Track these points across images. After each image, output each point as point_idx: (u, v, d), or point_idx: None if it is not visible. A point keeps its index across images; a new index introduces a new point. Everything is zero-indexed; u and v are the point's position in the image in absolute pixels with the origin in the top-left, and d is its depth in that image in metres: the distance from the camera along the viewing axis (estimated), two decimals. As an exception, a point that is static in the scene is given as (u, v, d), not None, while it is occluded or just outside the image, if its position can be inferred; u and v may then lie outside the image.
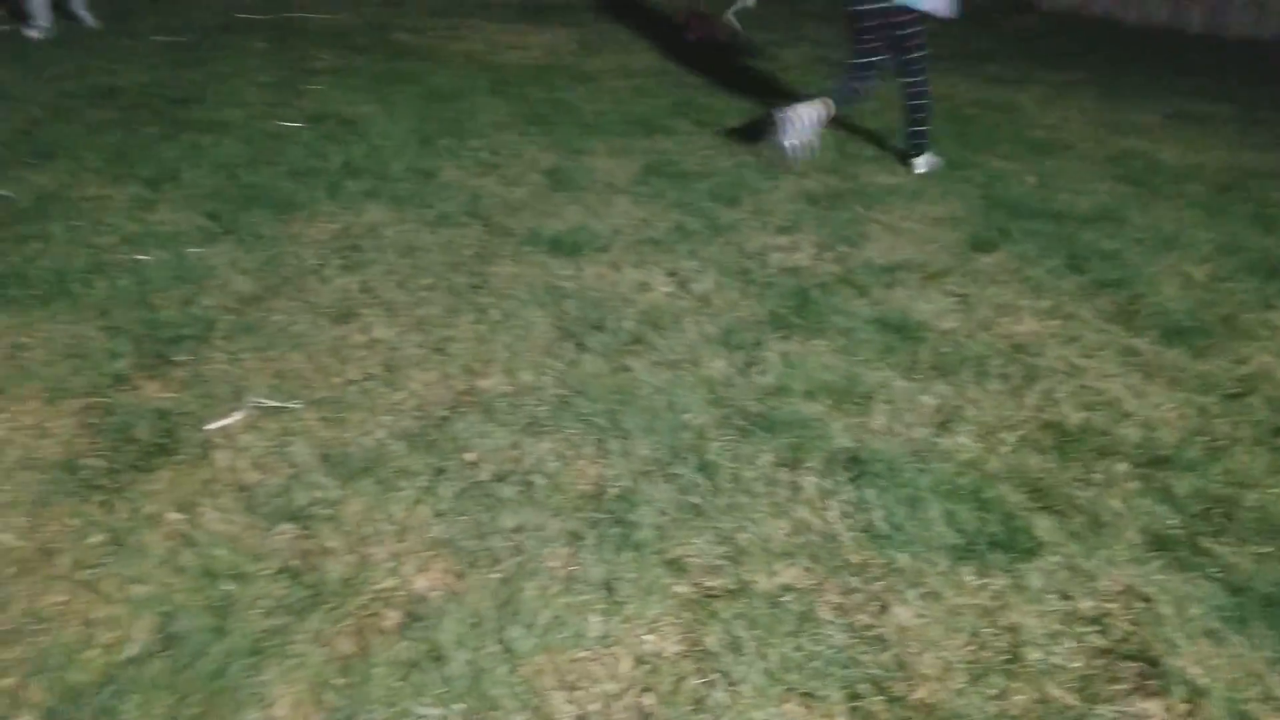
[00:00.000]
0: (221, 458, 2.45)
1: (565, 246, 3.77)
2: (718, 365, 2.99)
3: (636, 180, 4.54)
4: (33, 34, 6.35)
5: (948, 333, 3.29)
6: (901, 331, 3.26)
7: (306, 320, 3.14)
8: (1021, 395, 2.93)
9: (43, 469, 2.38)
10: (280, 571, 2.10)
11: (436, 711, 1.80)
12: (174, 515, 2.25)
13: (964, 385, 2.97)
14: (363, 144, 4.75)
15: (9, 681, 1.81)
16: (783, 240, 3.97)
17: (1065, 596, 2.16)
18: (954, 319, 3.39)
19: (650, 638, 1.99)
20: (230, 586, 2.04)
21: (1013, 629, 2.06)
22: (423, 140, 4.88)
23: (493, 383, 2.85)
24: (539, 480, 2.43)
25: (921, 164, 4.83)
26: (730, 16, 7.66)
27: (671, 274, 3.61)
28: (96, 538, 2.17)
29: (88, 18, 6.73)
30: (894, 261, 3.81)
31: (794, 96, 4.94)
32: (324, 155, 4.56)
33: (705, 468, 2.50)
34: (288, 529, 2.23)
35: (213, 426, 2.57)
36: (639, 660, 1.94)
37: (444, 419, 2.66)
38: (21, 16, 6.38)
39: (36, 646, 1.89)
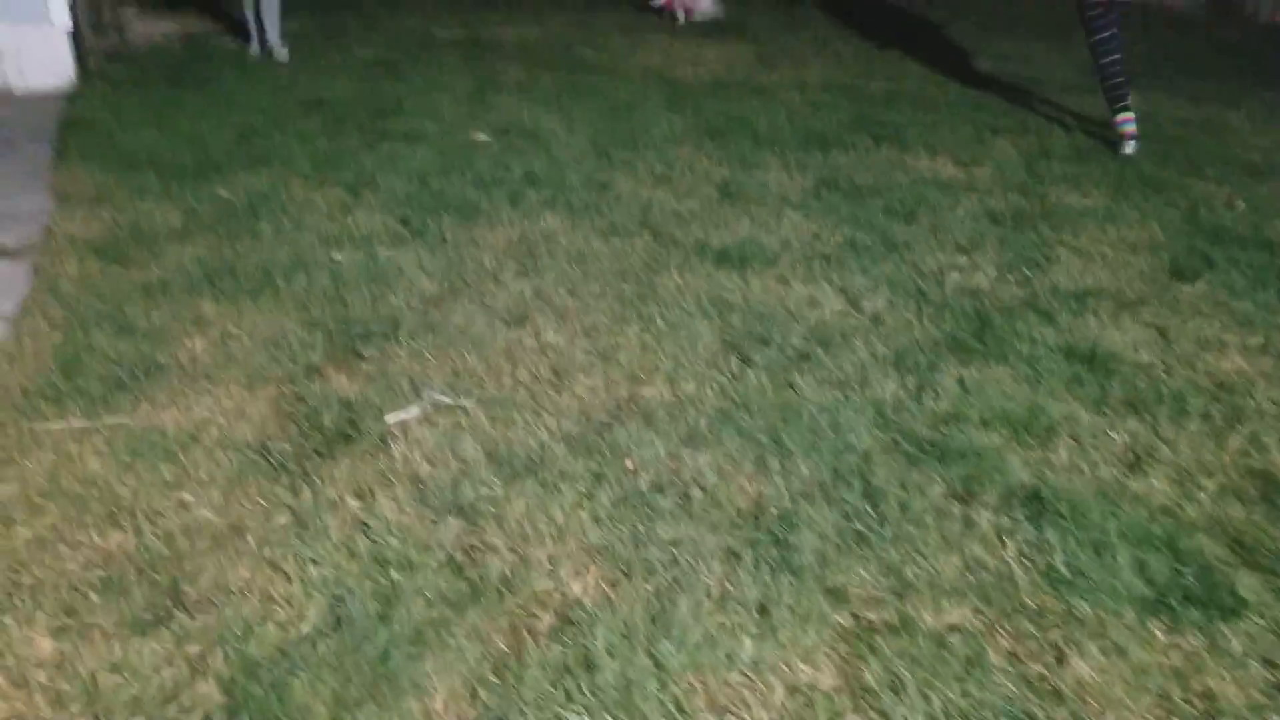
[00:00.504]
0: (398, 449, 2.56)
1: (733, 259, 3.75)
2: (888, 387, 2.89)
3: (809, 194, 4.47)
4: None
5: (1143, 366, 3.06)
6: (1091, 362, 3.06)
7: (483, 322, 3.25)
8: (1224, 438, 2.70)
9: (238, 449, 2.56)
10: (445, 564, 2.17)
11: None
12: (352, 501, 2.37)
13: (1159, 424, 2.76)
14: (544, 155, 4.89)
15: (195, 649, 1.95)
16: (962, 260, 3.81)
17: (1271, 664, 1.96)
18: (1150, 352, 3.16)
19: (805, 667, 1.93)
20: (398, 575, 2.13)
21: (1207, 695, 1.89)
22: (600, 152, 4.97)
23: (655, 391, 2.86)
24: (697, 493, 2.41)
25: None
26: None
27: (842, 291, 3.53)
28: (282, 518, 2.31)
29: (281, 51, 6.84)
30: (1085, 287, 3.60)
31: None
32: (507, 165, 4.72)
33: (871, 494, 2.42)
34: (454, 523, 2.30)
35: (392, 419, 2.69)
36: (793, 690, 1.89)
37: (606, 425, 2.68)
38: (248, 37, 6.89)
39: (221, 618, 2.02)
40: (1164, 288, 3.62)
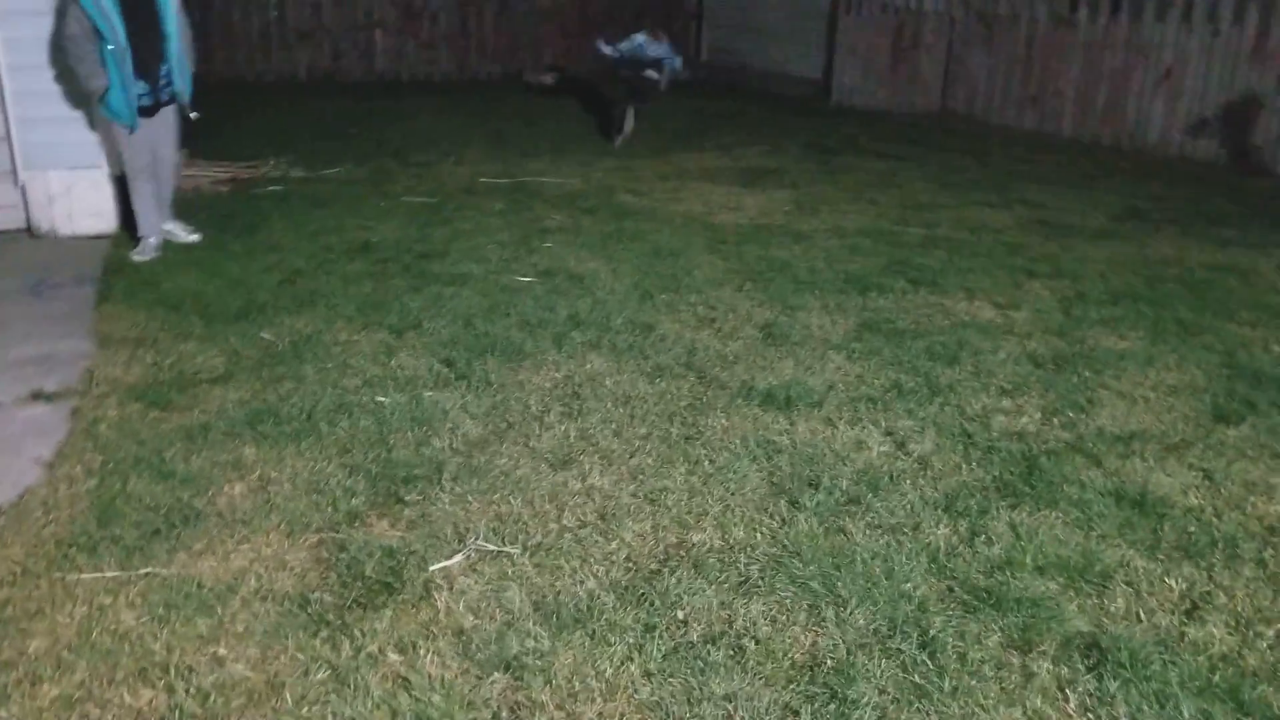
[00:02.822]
0: (441, 599, 2.52)
1: (779, 401, 3.75)
2: (940, 533, 2.84)
3: (851, 337, 4.50)
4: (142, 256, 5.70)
5: (1193, 510, 3.01)
6: (1141, 507, 3.00)
7: (528, 465, 3.24)
8: (1286, 586, 2.61)
9: (277, 600, 2.53)
10: (491, 721, 2.10)
11: None
12: (394, 656, 2.32)
13: (1214, 569, 2.70)
14: (588, 298, 4.98)
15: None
16: (1006, 403, 3.79)
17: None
18: (1199, 495, 3.10)
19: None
20: (443, 731, 2.06)
21: None
22: (643, 295, 5.06)
23: (704, 537, 2.82)
24: (750, 645, 2.34)
25: None
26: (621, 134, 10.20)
27: (888, 433, 3.51)
28: (321, 674, 2.26)
29: (180, 232, 6.05)
30: (1129, 430, 3.55)
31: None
32: (552, 308, 4.81)
33: (928, 644, 2.34)
34: (499, 679, 2.24)
35: (436, 567, 2.66)
36: None
37: (655, 572, 2.64)
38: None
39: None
40: (1208, 431, 3.58)
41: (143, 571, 2.64)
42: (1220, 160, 9.53)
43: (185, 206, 6.82)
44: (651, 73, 10.96)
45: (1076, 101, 11.14)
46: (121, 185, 6.00)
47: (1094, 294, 5.18)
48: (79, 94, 5.68)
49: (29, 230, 6.07)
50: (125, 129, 5.55)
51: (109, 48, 5.32)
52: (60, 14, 5.33)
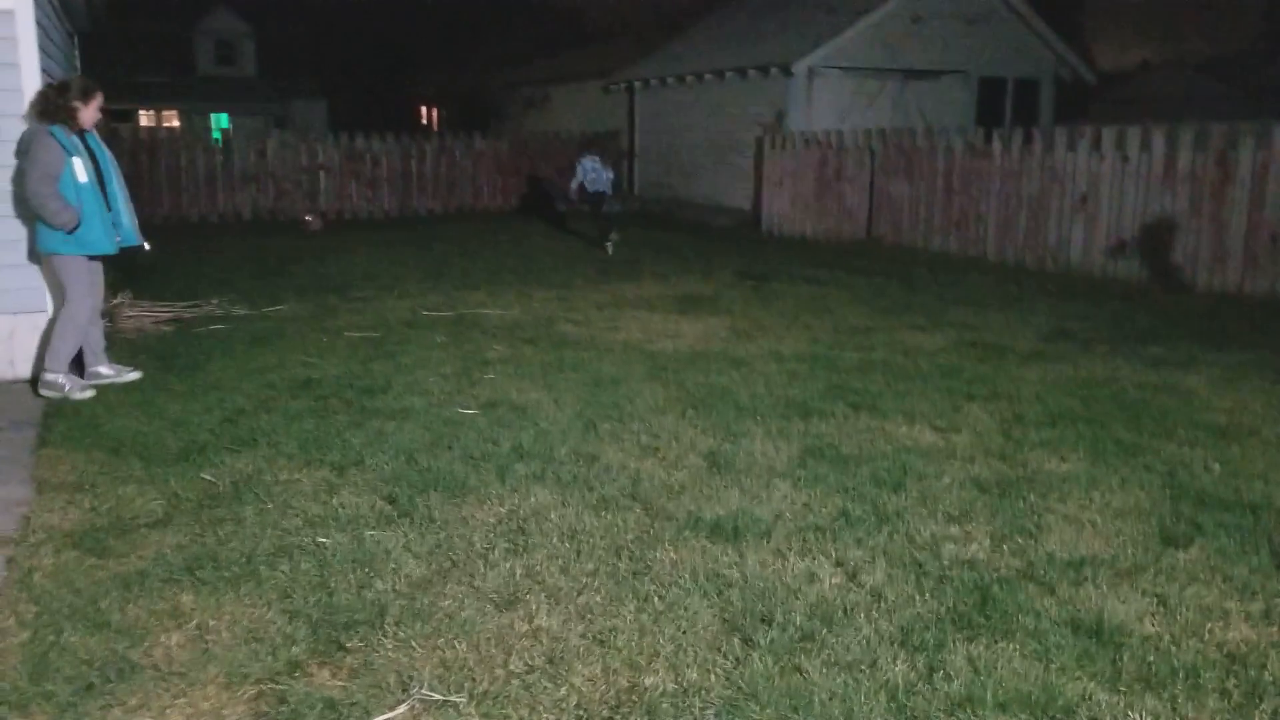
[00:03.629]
0: (385, 755, 2.39)
1: (727, 532, 3.72)
2: (898, 669, 2.79)
3: (795, 463, 4.52)
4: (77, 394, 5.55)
5: (1150, 639, 2.99)
6: (1098, 636, 2.99)
7: (473, 606, 3.15)
8: (1248, 715, 2.60)
9: (213, 760, 2.38)
10: None
11: None
12: (335, 819, 2.18)
13: (1177, 701, 2.66)
14: (531, 429, 4.96)
15: None
16: (954, 530, 3.81)
17: None
18: (1155, 623, 3.09)
19: None
20: None
21: None
22: (586, 424, 5.06)
23: (657, 680, 2.74)
24: (710, 795, 2.25)
25: None
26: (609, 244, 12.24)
27: (839, 564, 3.49)
28: (258, 840, 2.11)
29: (115, 374, 5.90)
30: (1079, 556, 3.58)
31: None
32: (495, 440, 4.77)
33: (892, 789, 2.27)
34: (448, 841, 2.11)
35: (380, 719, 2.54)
36: None
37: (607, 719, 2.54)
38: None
39: None
40: (1157, 555, 3.60)
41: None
42: (1143, 279, 9.99)
43: (127, 347, 6.74)
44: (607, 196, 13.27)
45: (998, 226, 11.67)
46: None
47: (1032, 415, 5.30)
48: (21, 239, 5.69)
49: (-38, 376, 5.91)
50: (80, 271, 5.51)
51: (81, 181, 5.36)
52: (25, 154, 5.37)
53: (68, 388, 5.55)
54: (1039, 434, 4.99)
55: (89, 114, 5.57)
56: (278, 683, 2.71)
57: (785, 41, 16.57)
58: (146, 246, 5.93)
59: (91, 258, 5.63)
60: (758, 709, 2.58)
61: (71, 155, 5.40)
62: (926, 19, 16.06)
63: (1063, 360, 6.62)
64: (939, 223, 12.47)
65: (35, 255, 5.80)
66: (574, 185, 13.52)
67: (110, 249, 5.68)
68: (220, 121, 33.00)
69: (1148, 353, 6.85)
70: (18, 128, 5.57)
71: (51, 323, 5.78)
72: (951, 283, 10.05)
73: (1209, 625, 3.08)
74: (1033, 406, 5.47)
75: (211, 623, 3.03)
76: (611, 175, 13.59)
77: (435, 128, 33.97)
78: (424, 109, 37.02)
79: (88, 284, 5.64)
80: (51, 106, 5.45)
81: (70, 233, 5.41)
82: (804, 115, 15.58)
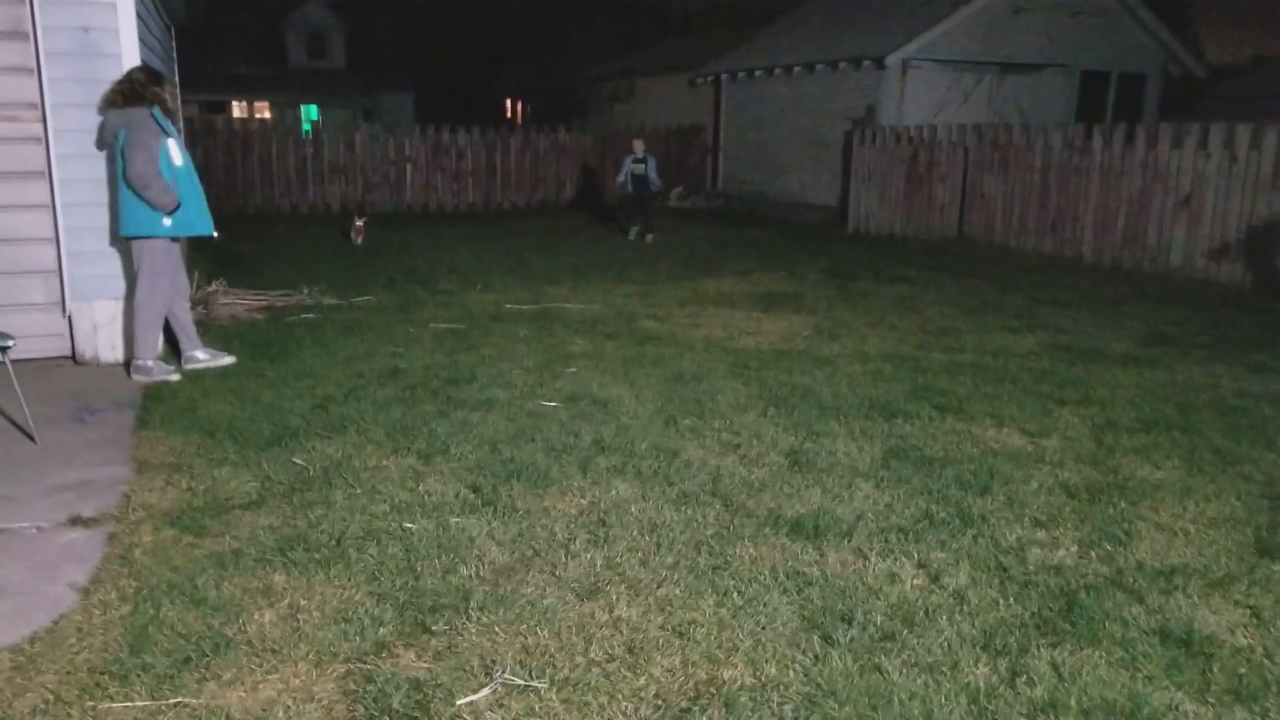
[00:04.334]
0: (468, 735, 2.46)
1: (807, 530, 3.71)
2: (980, 672, 2.75)
3: (878, 464, 4.47)
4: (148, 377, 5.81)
5: (1242, 650, 2.90)
6: (1187, 646, 2.91)
7: (554, 595, 3.20)
8: (1352, 734, 2.50)
9: (305, 732, 2.47)
10: None
11: None
12: (421, 795, 2.25)
13: (1270, 714, 2.59)
14: (612, 423, 5.00)
15: None
16: (1041, 535, 3.73)
17: None
18: (1248, 635, 3.00)
19: None
20: None
21: None
22: (667, 420, 5.08)
23: (735, 674, 2.75)
24: (786, 790, 2.26)
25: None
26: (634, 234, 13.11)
27: (921, 565, 3.45)
28: (347, 811, 2.20)
29: (209, 358, 6.15)
30: (1170, 565, 3.47)
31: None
32: (577, 433, 4.83)
33: (972, 793, 2.25)
34: (528, 821, 2.16)
35: (463, 701, 2.60)
36: None
37: (685, 710, 2.57)
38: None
39: None
40: (1252, 565, 3.48)
41: (173, 701, 2.60)
42: (1246, 284, 9.59)
43: (221, 333, 7.00)
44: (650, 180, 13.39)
45: (1095, 227, 11.31)
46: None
47: (1125, 421, 5.15)
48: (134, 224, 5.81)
49: (73, 358, 6.21)
50: (160, 257, 5.73)
51: (177, 164, 5.61)
52: (125, 138, 5.53)
53: (156, 372, 5.79)
54: (1132, 440, 4.84)
55: (167, 96, 5.81)
56: (365, 662, 2.80)
57: (878, 33, 16.29)
58: (215, 235, 6.13)
59: (173, 240, 5.82)
60: (836, 706, 2.57)
61: (169, 137, 5.62)
62: (1027, 9, 15.61)
63: (1159, 365, 6.41)
64: (1033, 222, 12.16)
65: (118, 240, 6.00)
66: (619, 180, 13.77)
67: (209, 230, 5.90)
68: (310, 113, 33.82)
69: (1248, 359, 6.59)
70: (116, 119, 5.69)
71: (130, 308, 5.97)
72: (1044, 284, 9.80)
73: (1307, 640, 2.97)
74: (1126, 412, 5.31)
75: (302, 602, 3.15)
76: (654, 175, 13.54)
77: (520, 122, 34.36)
78: (509, 103, 37.49)
79: (168, 267, 5.83)
80: (141, 91, 5.64)
81: (171, 214, 5.63)
82: (895, 109, 15.31)
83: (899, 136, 14.11)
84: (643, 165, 13.39)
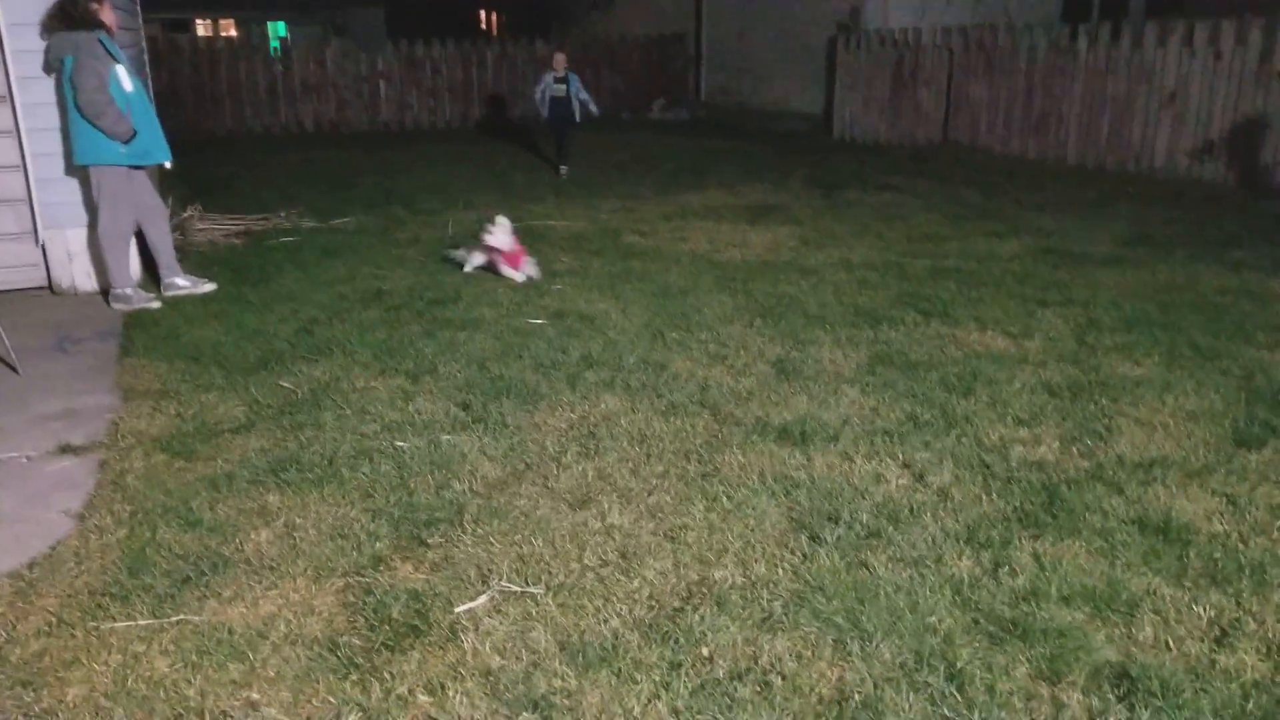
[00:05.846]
0: (468, 640, 2.52)
1: (794, 436, 3.76)
2: (963, 565, 2.83)
3: (864, 370, 4.52)
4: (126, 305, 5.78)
5: (1218, 537, 2.99)
6: (1165, 534, 2.99)
7: (547, 505, 3.26)
8: (1321, 611, 2.59)
9: (307, 645, 2.53)
10: (521, 762, 2.10)
11: None
12: (424, 697, 2.32)
13: (1242, 596, 2.68)
14: (599, 338, 5.02)
15: None
16: (1023, 433, 3.80)
17: None
18: (1224, 521, 3.09)
19: None
20: (473, 774, 2.06)
21: None
22: (654, 334, 5.10)
23: (726, 574, 2.82)
24: (777, 680, 2.34)
25: None
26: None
27: (906, 466, 3.51)
28: (352, 716, 2.27)
29: (190, 285, 6.09)
30: (1149, 458, 3.55)
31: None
32: (564, 349, 4.85)
33: (955, 676, 2.34)
34: (528, 718, 2.24)
35: (462, 609, 2.67)
36: None
37: (678, 610, 2.64)
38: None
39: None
40: (1229, 456, 3.56)
41: (175, 619, 2.65)
42: (1229, 183, 9.57)
43: (200, 259, 6.93)
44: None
45: (1079, 128, 11.23)
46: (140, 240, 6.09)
47: (1107, 321, 5.19)
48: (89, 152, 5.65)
49: (50, 288, 6.15)
50: (119, 183, 5.57)
51: (128, 90, 5.43)
52: (72, 64, 5.33)
53: (136, 300, 5.74)
54: (1113, 339, 4.90)
55: (110, 17, 5.54)
56: (363, 575, 2.85)
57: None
58: (168, 165, 5.97)
59: (134, 168, 5.67)
60: (824, 601, 2.65)
61: (118, 63, 5.43)
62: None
63: (1141, 265, 6.44)
64: (1018, 125, 12.04)
65: (75, 168, 5.80)
66: (537, 97, 11.72)
67: (167, 157, 5.75)
68: (278, 30, 32.90)
69: (1230, 257, 6.63)
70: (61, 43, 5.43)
71: (95, 238, 5.84)
72: (1029, 187, 9.77)
73: (1278, 524, 3.06)
74: (1108, 312, 5.35)
75: (298, 520, 3.19)
76: (585, 95, 11.53)
77: (495, 34, 33.54)
78: (483, 14, 36.52)
79: (128, 193, 5.68)
80: (78, 13, 5.37)
81: (127, 143, 5.49)
82: (880, 11, 14.98)
83: (883, 40, 13.87)
84: (564, 86, 11.41)
